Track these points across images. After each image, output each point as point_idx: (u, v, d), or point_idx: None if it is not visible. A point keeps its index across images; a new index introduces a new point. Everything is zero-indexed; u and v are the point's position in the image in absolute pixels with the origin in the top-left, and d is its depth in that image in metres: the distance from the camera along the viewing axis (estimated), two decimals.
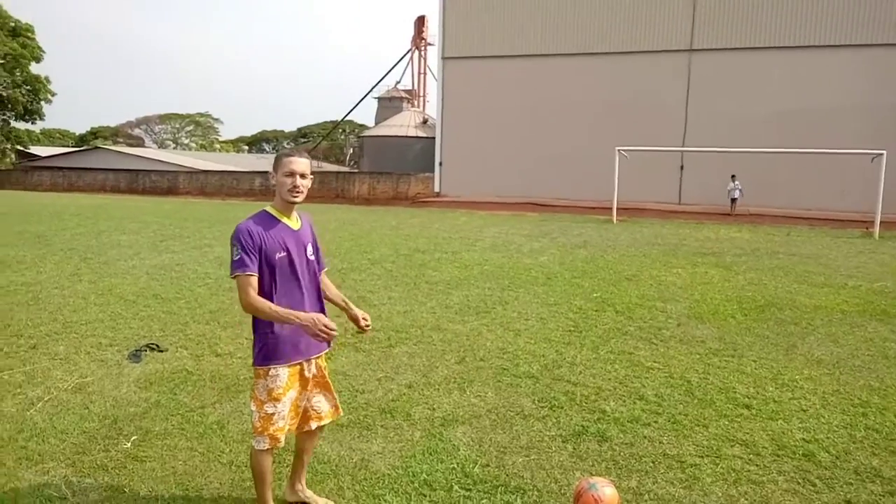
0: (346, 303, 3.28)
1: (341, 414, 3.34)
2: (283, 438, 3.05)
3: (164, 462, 3.76)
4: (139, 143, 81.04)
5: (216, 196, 36.31)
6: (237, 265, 2.85)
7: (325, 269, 3.32)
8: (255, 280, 2.86)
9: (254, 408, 3.03)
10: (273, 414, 2.99)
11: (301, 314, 2.85)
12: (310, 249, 3.11)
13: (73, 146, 70.04)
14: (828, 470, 3.81)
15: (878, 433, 4.35)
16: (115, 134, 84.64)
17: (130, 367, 5.45)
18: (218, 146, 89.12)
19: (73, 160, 47.82)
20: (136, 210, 22.89)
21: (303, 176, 2.96)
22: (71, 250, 12.06)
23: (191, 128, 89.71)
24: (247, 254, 2.84)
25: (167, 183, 39.59)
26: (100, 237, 14.19)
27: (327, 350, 3.25)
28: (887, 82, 27.21)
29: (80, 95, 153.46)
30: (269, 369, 2.98)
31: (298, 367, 3.07)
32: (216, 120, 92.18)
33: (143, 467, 3.70)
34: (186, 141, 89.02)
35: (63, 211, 21.23)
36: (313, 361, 3.15)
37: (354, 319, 3.22)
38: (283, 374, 3.00)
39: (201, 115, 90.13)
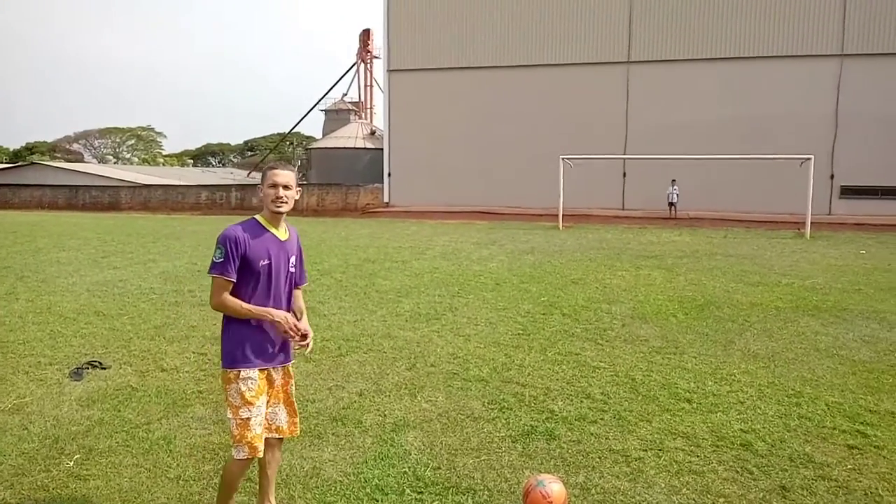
0: (301, 313, 3.28)
1: (296, 434, 3.28)
2: (260, 448, 3.00)
3: (109, 480, 3.67)
4: (78, 158, 78.33)
5: (161, 211, 35.42)
6: (217, 267, 2.91)
7: (304, 285, 3.35)
8: (229, 287, 2.93)
9: (230, 415, 3.00)
10: (249, 419, 2.96)
11: (273, 310, 2.97)
12: (293, 261, 3.16)
13: (6, 162, 67.22)
14: (764, 458, 3.99)
15: (810, 421, 4.57)
16: (52, 149, 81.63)
17: (72, 385, 5.29)
18: (161, 160, 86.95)
19: (7, 177, 45.85)
20: (76, 226, 22.15)
21: (286, 187, 3.01)
22: (6, 269, 11.60)
23: (132, 142, 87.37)
24: (228, 259, 2.91)
25: (108, 198, 38.36)
26: (37, 255, 13.69)
27: (291, 361, 3.23)
28: (815, 92, 28.61)
29: (13, 111, 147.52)
30: (240, 371, 2.98)
31: (265, 372, 3.07)
32: (159, 134, 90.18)
33: (87, 486, 3.60)
34: (128, 155, 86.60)
35: None
36: (280, 370, 3.15)
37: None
38: (255, 377, 3.00)
39: (143, 128, 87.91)
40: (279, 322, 2.96)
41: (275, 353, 3.09)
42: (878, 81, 27.84)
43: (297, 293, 3.31)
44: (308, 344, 3.15)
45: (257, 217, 3.09)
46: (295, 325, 2.99)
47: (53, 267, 11.91)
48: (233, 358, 2.99)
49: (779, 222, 24.19)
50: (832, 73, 28.52)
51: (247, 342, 2.99)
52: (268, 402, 3.12)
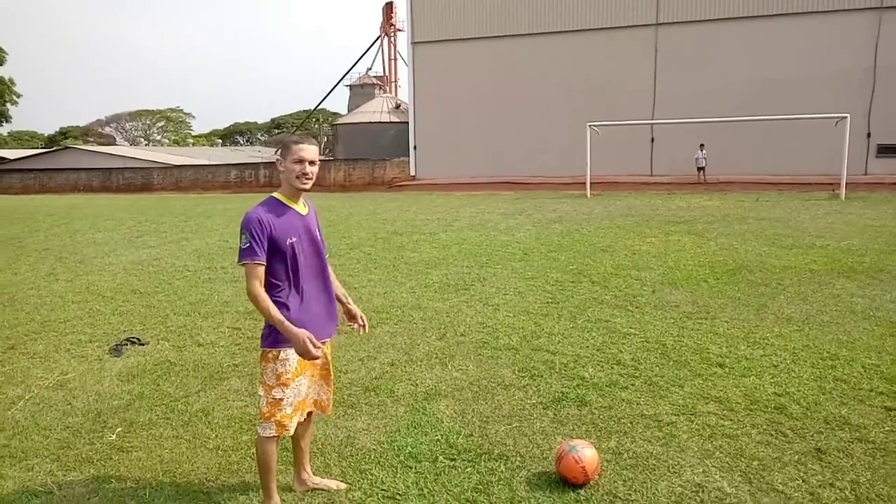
0: (346, 297, 3.29)
1: (329, 413, 3.33)
2: (291, 427, 3.00)
3: (150, 451, 3.79)
4: (110, 141, 79.57)
5: (192, 190, 35.90)
6: (246, 253, 2.81)
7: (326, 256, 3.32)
8: (261, 270, 2.84)
9: (262, 392, 2.99)
10: (281, 399, 2.95)
11: (294, 329, 2.79)
12: (318, 234, 3.09)
13: (42, 147, 68.59)
14: (798, 421, 3.95)
15: (846, 384, 4.51)
16: (85, 133, 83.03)
17: (112, 361, 5.45)
18: (191, 141, 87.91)
19: (44, 161, 46.82)
20: (111, 208, 22.59)
21: (312, 163, 2.92)
22: (46, 251, 11.91)
23: (162, 123, 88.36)
24: (256, 242, 2.81)
25: (141, 180, 38.98)
26: (74, 236, 14.02)
27: (334, 336, 3.22)
28: (851, 48, 27.57)
29: (47, 96, 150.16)
30: (280, 352, 2.93)
31: None
32: (188, 115, 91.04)
33: (129, 458, 3.72)
34: (158, 137, 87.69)
35: (36, 212, 20.89)
36: (321, 346, 3.08)
37: (352, 316, 3.27)
38: (293, 359, 2.95)
39: (172, 110, 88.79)
40: (296, 342, 2.79)
41: (319, 329, 2.98)
42: None
43: (329, 269, 3.21)
44: (364, 326, 3.21)
45: (275, 195, 3.00)
46: (315, 345, 2.79)
47: (90, 248, 12.19)
48: (275, 338, 2.91)
49: (813, 184, 23.57)
50: (870, 26, 27.41)
51: (293, 321, 2.87)
52: (312, 377, 3.11)
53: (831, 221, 13.28)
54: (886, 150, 27.98)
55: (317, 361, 3.05)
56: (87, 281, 8.93)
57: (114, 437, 3.99)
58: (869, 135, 27.87)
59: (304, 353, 2.82)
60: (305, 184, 2.93)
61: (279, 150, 2.99)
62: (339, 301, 3.26)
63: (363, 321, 3.28)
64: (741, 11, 29.07)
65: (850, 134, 20.60)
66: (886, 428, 3.82)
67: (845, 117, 20.35)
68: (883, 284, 7.43)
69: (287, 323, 2.81)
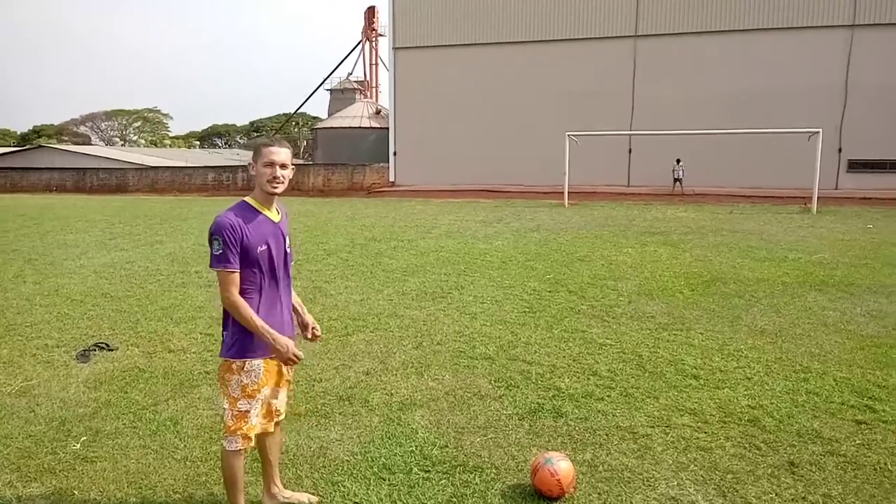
0: (300, 306, 3.21)
1: (282, 417, 3.22)
2: (254, 438, 2.97)
3: (116, 462, 3.69)
4: (85, 140, 78.32)
5: (168, 192, 35.42)
6: (218, 260, 2.75)
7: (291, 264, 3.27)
8: (237, 277, 2.78)
9: (226, 405, 2.91)
10: (248, 411, 2.89)
11: (278, 337, 2.80)
12: (288, 241, 3.02)
13: (15, 146, 67.29)
14: (772, 434, 3.97)
15: (818, 396, 4.55)
16: (59, 132, 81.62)
17: (79, 367, 5.31)
18: (168, 142, 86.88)
19: (16, 160, 45.90)
20: (84, 209, 22.19)
21: (283, 166, 2.84)
22: (14, 252, 11.64)
23: (139, 124, 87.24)
24: (229, 248, 2.74)
25: (116, 180, 38.38)
26: (45, 237, 13.73)
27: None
28: (824, 64, 28.15)
29: (20, 94, 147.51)
30: (245, 363, 2.87)
31: (274, 360, 2.94)
32: (165, 115, 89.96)
33: (94, 468, 3.62)
34: (135, 137, 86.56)
35: (5, 212, 20.44)
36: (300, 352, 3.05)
37: (304, 326, 3.18)
38: (260, 369, 2.89)
39: (149, 110, 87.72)
40: (279, 350, 2.80)
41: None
42: (890, 53, 27.36)
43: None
44: (319, 336, 3.16)
45: (247, 199, 2.92)
46: (295, 356, 2.84)
47: (61, 249, 11.94)
48: (240, 347, 2.86)
49: (785, 197, 23.98)
50: (842, 44, 28.06)
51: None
52: (277, 389, 3.05)
53: (803, 235, 13.49)
54: (857, 166, 28.60)
55: (284, 372, 3.06)
56: (55, 284, 8.74)
57: (78, 446, 3.88)
58: (840, 150, 28.46)
59: (287, 359, 2.84)
60: (276, 188, 2.86)
61: (252, 155, 2.93)
62: (295, 311, 3.18)
63: (316, 331, 3.19)
64: (718, 26, 29.57)
65: (822, 149, 21.00)
66: (857, 441, 3.85)
67: (818, 132, 20.74)
68: (853, 298, 7.54)
69: (272, 331, 2.79)
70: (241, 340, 2.86)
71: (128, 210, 21.64)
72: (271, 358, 2.92)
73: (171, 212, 20.85)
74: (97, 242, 12.95)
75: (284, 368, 3.05)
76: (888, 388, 4.67)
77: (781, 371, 5.07)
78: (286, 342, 2.82)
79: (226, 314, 2.90)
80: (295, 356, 2.84)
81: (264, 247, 2.86)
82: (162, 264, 10.26)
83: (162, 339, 6.09)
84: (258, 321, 2.77)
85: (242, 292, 2.84)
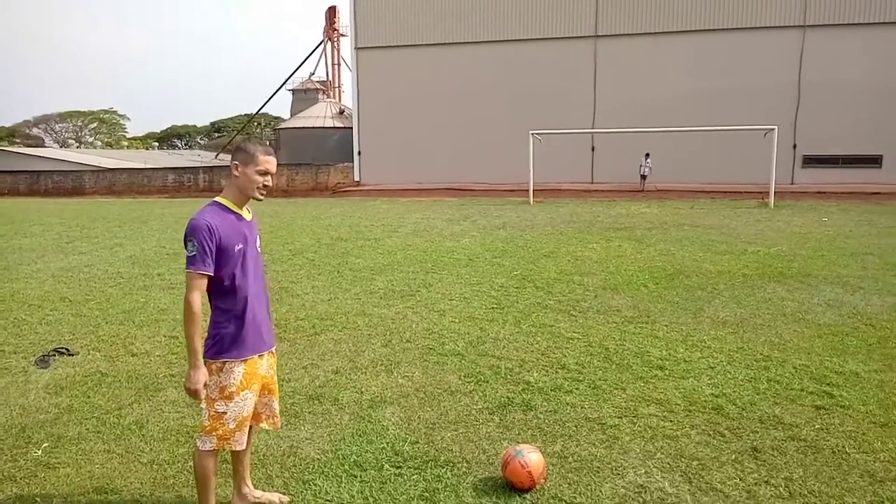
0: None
1: (279, 426, 3.25)
2: (236, 443, 2.91)
3: (80, 467, 3.60)
4: (38, 142, 75.99)
5: (126, 195, 34.63)
6: (190, 262, 2.71)
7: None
8: (205, 282, 2.75)
9: (204, 406, 2.87)
10: (224, 413, 2.85)
11: (197, 368, 2.74)
12: (258, 241, 3.02)
13: None
14: (735, 421, 4.07)
15: (779, 384, 4.67)
16: (11, 134, 78.98)
17: (38, 373, 5.17)
18: (125, 143, 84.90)
19: None
20: (39, 212, 21.56)
21: (273, 175, 2.90)
22: None
23: (95, 125, 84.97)
24: (204, 251, 2.70)
25: (71, 183, 37.38)
26: None
27: (274, 347, 3.12)
28: (778, 63, 28.90)
29: None
30: (224, 364, 2.83)
31: (252, 361, 2.92)
32: (122, 116, 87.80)
33: (56, 474, 3.53)
34: (91, 139, 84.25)
35: None
36: (265, 357, 3.01)
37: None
38: (239, 371, 2.86)
39: (106, 111, 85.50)
40: (188, 377, 2.75)
41: (262, 341, 2.95)
42: (840, 52, 28.22)
43: None
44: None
45: (219, 200, 2.88)
46: (196, 393, 2.75)
47: (15, 254, 11.59)
48: (218, 349, 2.83)
49: (743, 192, 24.54)
50: (795, 44, 28.84)
51: (236, 332, 2.83)
52: (260, 392, 3.02)
53: (762, 228, 13.84)
54: (811, 161, 29.44)
55: (265, 374, 3.02)
56: (11, 289, 8.48)
57: (40, 452, 3.78)
58: (795, 146, 29.24)
59: (191, 392, 2.76)
60: (263, 196, 2.87)
61: (238, 156, 2.86)
62: None
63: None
64: (675, 26, 30.14)
65: (777, 145, 21.58)
66: (817, 426, 3.97)
67: (773, 129, 21.29)
68: (810, 288, 7.76)
69: (199, 357, 2.75)
70: (220, 342, 2.83)
71: (85, 213, 21.10)
72: (248, 360, 2.89)
73: (130, 214, 20.39)
74: (54, 246, 12.61)
75: (263, 369, 3.01)
76: (845, 375, 4.83)
77: (743, 360, 5.20)
78: (197, 379, 2.73)
79: (212, 313, 2.86)
80: (195, 392, 2.75)
81: (241, 245, 2.84)
82: (122, 267, 10.04)
83: (124, 343, 5.96)
84: (196, 342, 2.73)
85: (221, 293, 2.83)
